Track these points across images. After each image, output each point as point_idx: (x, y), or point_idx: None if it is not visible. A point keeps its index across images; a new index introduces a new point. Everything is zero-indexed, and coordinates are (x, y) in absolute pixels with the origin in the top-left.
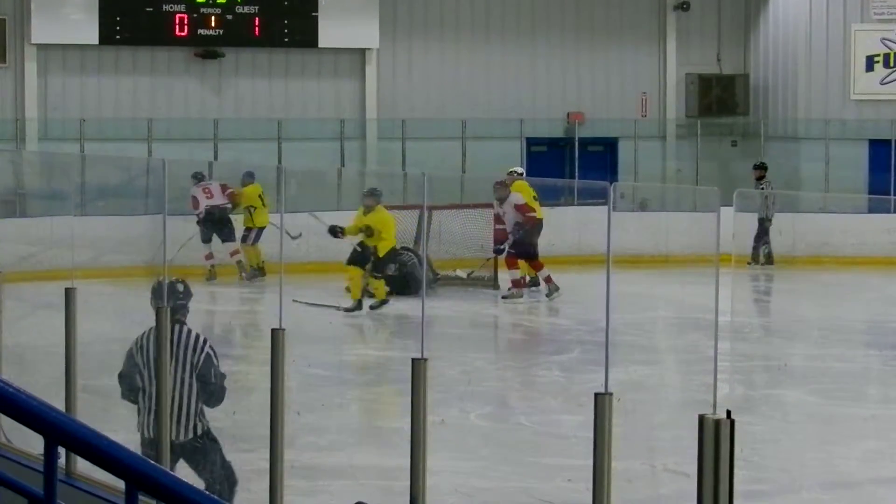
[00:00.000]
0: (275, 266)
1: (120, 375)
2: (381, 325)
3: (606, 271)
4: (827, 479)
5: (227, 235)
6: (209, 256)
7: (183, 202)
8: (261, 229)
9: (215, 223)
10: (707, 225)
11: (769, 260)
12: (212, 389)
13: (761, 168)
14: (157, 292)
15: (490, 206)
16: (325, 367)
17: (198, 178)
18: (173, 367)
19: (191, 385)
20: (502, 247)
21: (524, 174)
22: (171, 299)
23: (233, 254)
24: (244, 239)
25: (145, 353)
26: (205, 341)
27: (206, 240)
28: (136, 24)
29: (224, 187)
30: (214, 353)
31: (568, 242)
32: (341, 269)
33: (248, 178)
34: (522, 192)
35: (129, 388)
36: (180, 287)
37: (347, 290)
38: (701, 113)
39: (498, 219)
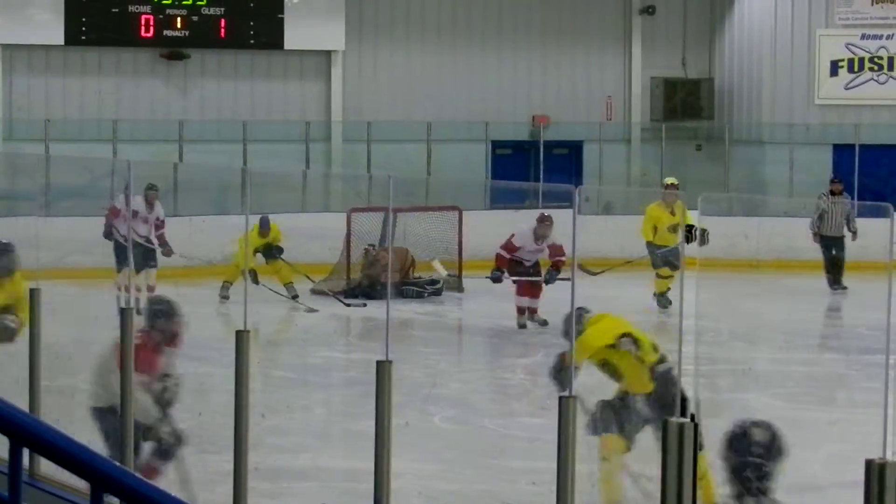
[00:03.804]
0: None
1: None
2: (345, 327)
3: (572, 274)
4: (792, 482)
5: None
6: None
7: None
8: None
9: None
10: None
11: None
12: None
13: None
14: None
15: (454, 209)
16: (289, 369)
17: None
18: None
19: None
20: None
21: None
22: None
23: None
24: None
25: None
26: None
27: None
28: (102, 24)
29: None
30: None
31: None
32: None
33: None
34: (658, 219)
35: None
36: None
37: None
38: (666, 117)
39: (510, 247)
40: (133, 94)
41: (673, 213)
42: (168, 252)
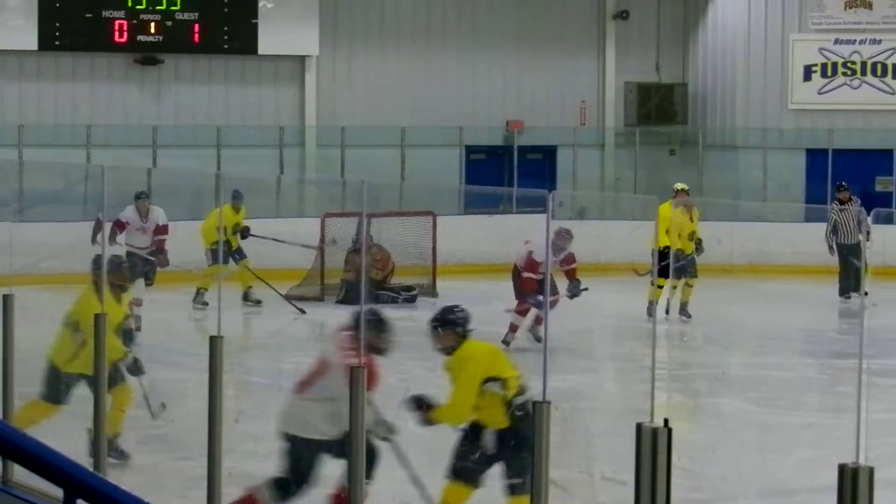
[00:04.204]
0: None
1: None
2: (319, 332)
3: (545, 279)
4: (764, 486)
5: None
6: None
7: (121, 209)
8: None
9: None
10: (646, 233)
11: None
12: None
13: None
14: None
15: (428, 213)
16: (263, 374)
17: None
18: None
19: None
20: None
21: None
22: None
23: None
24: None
25: None
26: None
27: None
28: (76, 30)
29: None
30: None
31: (506, 250)
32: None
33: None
34: (682, 225)
35: None
36: None
37: None
38: (640, 122)
39: (533, 266)
40: (107, 100)
41: (691, 220)
42: (163, 262)
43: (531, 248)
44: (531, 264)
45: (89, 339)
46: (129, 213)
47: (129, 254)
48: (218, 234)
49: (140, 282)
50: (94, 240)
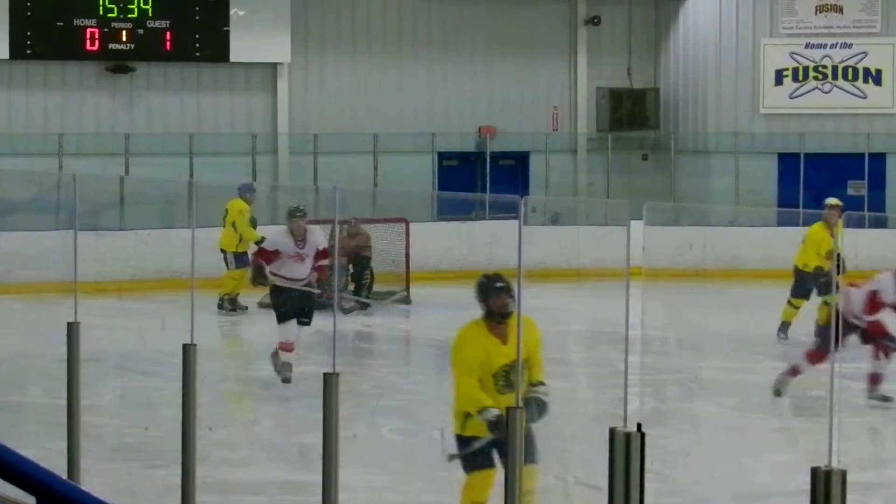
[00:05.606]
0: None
1: None
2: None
3: (517, 285)
4: (738, 491)
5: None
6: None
7: (94, 217)
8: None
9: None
10: (617, 238)
11: None
12: None
13: None
14: None
15: (401, 220)
16: (236, 382)
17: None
18: None
19: None
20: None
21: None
22: None
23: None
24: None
25: None
26: None
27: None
28: (47, 38)
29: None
30: None
31: (479, 257)
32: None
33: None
34: (821, 242)
35: None
36: None
37: None
38: (612, 127)
39: (876, 307)
40: (79, 108)
41: (833, 236)
42: (328, 296)
43: (876, 286)
44: (873, 304)
45: (487, 385)
46: (279, 239)
47: (283, 289)
48: (235, 234)
49: (292, 323)
50: (255, 280)
